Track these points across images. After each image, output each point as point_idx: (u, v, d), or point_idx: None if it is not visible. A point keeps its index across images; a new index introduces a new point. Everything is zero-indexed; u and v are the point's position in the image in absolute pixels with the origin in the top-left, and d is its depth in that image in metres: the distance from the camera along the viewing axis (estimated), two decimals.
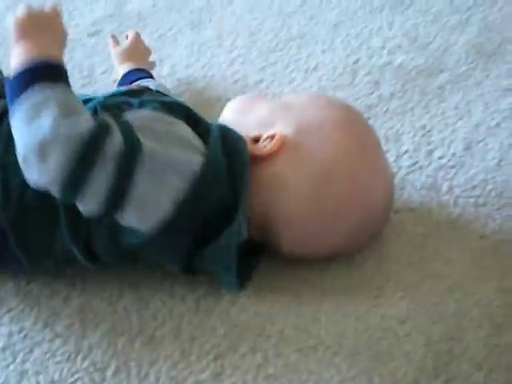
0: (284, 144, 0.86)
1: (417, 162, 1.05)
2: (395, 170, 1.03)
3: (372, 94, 1.18)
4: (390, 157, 1.05)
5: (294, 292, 0.89)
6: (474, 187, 1.01)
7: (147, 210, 0.81)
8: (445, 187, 1.01)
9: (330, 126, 0.88)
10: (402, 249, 0.93)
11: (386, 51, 1.28)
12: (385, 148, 1.06)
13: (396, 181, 1.01)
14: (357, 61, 1.26)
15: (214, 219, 0.83)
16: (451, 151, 1.06)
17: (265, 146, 0.87)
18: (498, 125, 1.11)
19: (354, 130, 0.90)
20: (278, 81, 1.23)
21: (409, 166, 1.04)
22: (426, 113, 1.14)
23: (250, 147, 0.87)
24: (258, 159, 0.86)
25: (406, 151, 1.07)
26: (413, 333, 0.83)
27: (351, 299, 0.87)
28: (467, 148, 1.07)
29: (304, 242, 0.88)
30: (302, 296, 0.88)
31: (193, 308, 0.87)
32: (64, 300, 0.89)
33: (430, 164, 1.05)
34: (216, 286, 0.88)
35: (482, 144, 1.08)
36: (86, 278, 0.91)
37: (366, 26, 1.34)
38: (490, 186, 1.01)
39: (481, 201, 0.99)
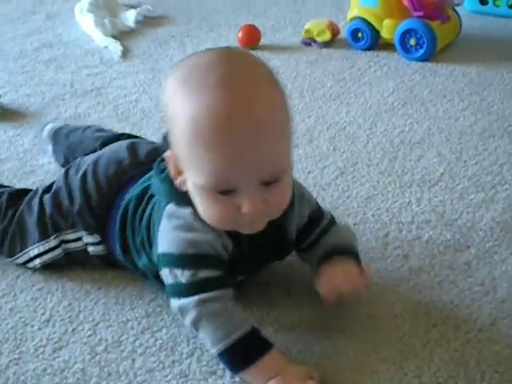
0: None
1: (444, 336, 1.10)
2: (424, 342, 1.08)
3: (402, 267, 1.24)
4: (419, 330, 1.10)
5: None
6: (499, 363, 1.05)
7: None
8: (472, 362, 1.05)
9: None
10: None
11: (414, 226, 1.35)
12: (414, 321, 1.11)
13: (424, 354, 1.06)
14: (387, 234, 1.33)
15: None
16: (477, 326, 1.11)
17: None
18: None
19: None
20: None
21: (437, 340, 1.09)
22: (454, 287, 1.20)
23: None
24: None
25: (434, 325, 1.12)
26: None
27: None
28: (493, 323, 1.12)
29: None
30: None
31: None
32: None
33: (457, 338, 1.09)
34: None
35: (507, 320, 1.12)
36: None
37: (395, 201, 1.43)
38: None
39: (506, 376, 1.03)
